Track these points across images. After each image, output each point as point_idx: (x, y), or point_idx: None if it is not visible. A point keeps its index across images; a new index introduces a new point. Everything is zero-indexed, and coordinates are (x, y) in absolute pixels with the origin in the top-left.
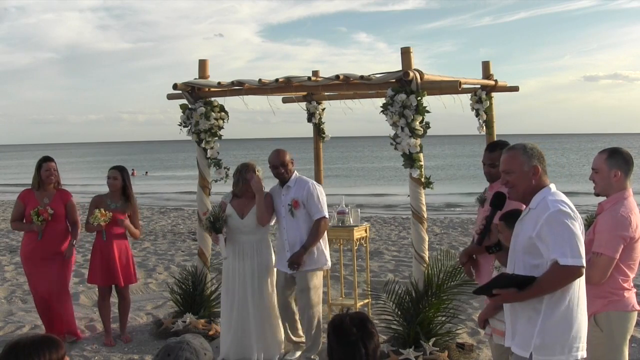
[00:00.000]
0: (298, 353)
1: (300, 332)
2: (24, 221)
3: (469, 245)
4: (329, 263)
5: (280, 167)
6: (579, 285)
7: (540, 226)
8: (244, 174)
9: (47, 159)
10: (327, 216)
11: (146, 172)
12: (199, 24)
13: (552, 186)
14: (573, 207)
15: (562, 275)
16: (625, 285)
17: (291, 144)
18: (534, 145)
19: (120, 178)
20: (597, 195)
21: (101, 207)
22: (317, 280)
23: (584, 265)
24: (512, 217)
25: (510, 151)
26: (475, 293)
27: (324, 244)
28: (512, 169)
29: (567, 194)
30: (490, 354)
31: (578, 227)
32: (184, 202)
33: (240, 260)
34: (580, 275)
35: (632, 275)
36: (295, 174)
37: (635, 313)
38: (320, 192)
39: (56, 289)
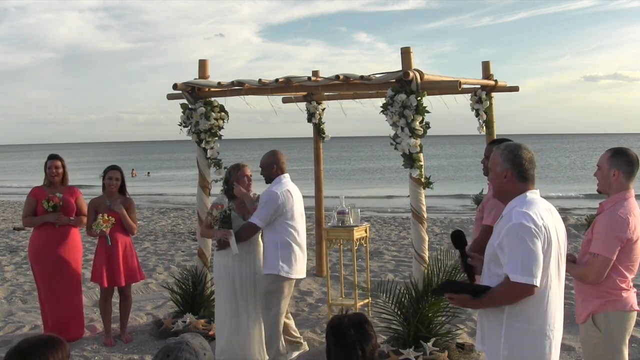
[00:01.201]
0: (296, 353)
1: (295, 333)
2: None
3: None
4: (282, 272)
5: (261, 169)
6: (549, 301)
7: (502, 237)
8: (230, 178)
9: (52, 157)
10: (258, 225)
11: (148, 173)
12: (199, 24)
13: (530, 193)
14: (540, 222)
15: (511, 291)
16: (623, 285)
17: (291, 144)
18: (514, 148)
19: (120, 178)
20: (599, 192)
21: (101, 210)
22: (271, 286)
23: (536, 284)
24: None
25: (495, 150)
26: (432, 293)
27: (278, 252)
28: (492, 167)
29: (566, 196)
30: None
31: (539, 245)
32: (184, 202)
33: (242, 261)
34: (530, 293)
35: (630, 276)
36: (279, 177)
37: (635, 313)
38: (270, 201)
39: (65, 287)
